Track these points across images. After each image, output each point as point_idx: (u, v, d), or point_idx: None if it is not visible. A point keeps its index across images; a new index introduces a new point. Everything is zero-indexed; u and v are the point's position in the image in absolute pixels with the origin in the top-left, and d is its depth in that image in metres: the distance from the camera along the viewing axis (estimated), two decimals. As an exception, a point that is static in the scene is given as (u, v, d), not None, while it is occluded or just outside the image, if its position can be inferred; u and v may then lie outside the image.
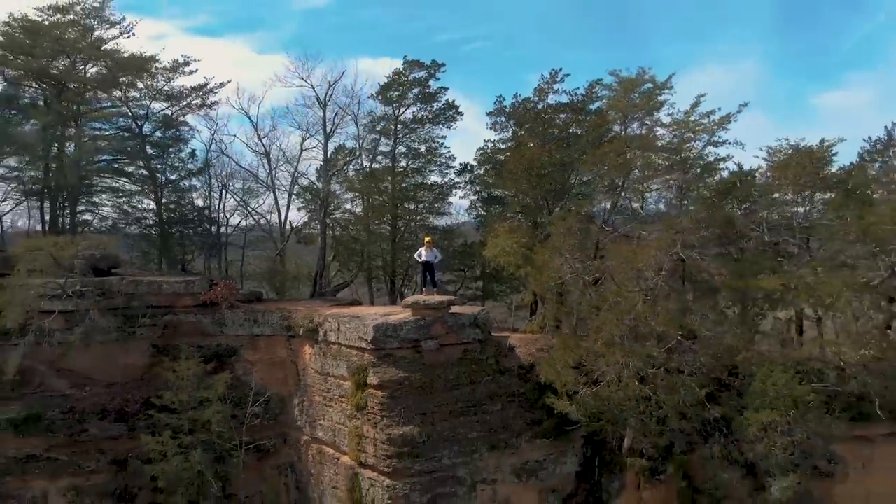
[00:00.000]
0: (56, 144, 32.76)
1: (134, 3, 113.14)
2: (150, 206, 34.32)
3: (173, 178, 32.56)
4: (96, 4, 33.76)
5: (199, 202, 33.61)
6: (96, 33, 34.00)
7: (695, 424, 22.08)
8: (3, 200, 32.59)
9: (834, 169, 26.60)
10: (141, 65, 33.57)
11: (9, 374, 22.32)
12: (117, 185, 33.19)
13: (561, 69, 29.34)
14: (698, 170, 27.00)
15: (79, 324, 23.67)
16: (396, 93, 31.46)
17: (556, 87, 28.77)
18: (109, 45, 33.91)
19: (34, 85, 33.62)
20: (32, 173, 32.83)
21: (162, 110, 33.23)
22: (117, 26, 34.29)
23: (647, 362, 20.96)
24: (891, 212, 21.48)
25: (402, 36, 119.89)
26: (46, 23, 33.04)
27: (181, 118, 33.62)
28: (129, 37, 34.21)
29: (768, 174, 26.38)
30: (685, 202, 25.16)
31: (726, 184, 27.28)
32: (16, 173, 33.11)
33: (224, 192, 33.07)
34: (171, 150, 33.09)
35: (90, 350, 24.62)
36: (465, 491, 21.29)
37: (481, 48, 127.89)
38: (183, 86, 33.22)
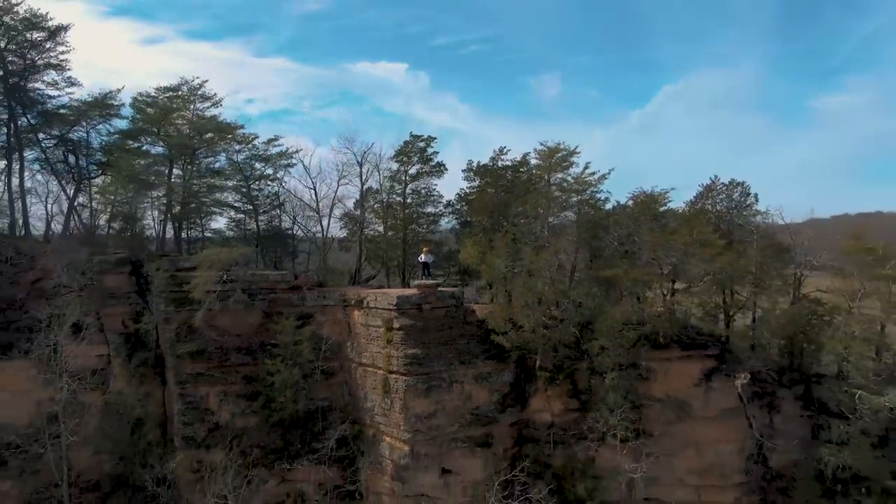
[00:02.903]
0: (182, 183, 47.25)
1: (130, 7, 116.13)
2: (242, 225, 50.23)
3: (266, 210, 48.63)
4: (197, 84, 47.98)
5: (278, 224, 49.26)
6: (197, 104, 48.32)
7: (575, 352, 37.12)
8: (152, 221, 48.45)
9: (678, 205, 43.48)
10: (229, 129, 48.71)
11: (195, 324, 38.61)
12: (230, 214, 48.91)
13: (505, 146, 44.96)
14: (589, 207, 43.95)
15: (227, 298, 39.06)
16: (405, 156, 46.23)
17: (503, 157, 44.74)
18: (207, 113, 48.23)
19: (161, 143, 48.19)
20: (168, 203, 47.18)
21: (260, 169, 48.57)
22: (211, 99, 48.67)
23: (546, 316, 36.35)
24: (680, 234, 38.48)
25: (400, 39, 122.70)
26: (160, 99, 47.73)
27: (273, 175, 48.66)
28: (218, 106, 48.08)
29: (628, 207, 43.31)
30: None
31: (608, 213, 44.43)
32: (155, 203, 48.01)
33: (294, 219, 49.11)
34: (262, 190, 48.74)
35: (228, 313, 39.46)
36: (446, 385, 35.82)
37: (479, 51, 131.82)
38: (271, 153, 47.93)
